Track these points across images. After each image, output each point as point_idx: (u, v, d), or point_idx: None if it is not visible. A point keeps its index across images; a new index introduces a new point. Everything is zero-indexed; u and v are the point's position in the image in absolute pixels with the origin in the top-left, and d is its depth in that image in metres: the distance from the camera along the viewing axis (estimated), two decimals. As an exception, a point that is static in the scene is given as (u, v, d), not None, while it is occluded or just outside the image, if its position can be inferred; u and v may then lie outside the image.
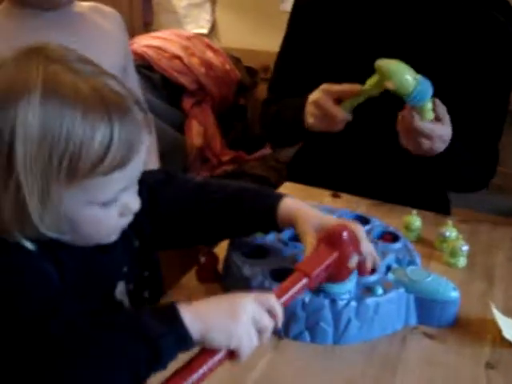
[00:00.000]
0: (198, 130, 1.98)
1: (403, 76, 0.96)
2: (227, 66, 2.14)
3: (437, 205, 1.32)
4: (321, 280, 0.73)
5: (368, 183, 1.25)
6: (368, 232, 0.91)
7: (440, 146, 1.05)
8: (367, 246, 0.77)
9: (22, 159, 0.58)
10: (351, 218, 0.95)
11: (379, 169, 1.27)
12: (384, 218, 1.03)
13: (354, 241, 0.75)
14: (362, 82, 1.11)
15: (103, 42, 1.14)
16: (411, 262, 0.85)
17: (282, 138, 1.37)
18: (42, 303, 0.57)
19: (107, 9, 1.21)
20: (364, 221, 0.95)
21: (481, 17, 1.18)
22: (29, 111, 0.58)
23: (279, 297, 0.65)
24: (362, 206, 1.15)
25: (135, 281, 0.78)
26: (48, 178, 0.59)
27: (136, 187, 0.69)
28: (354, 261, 0.74)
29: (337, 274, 0.74)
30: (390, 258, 0.85)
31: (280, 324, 0.62)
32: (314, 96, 1.10)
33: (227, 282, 0.85)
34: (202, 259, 0.88)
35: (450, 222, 1.01)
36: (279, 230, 0.83)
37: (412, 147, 1.05)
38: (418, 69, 1.19)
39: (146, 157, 0.67)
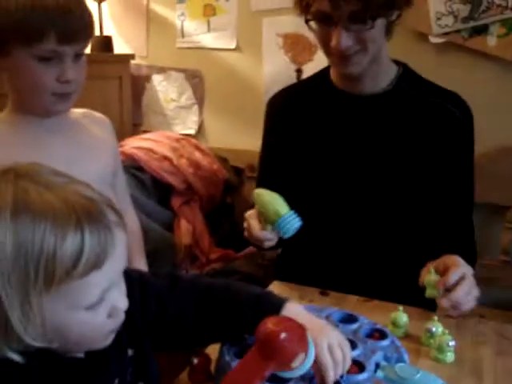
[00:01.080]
0: (187, 228, 2.01)
1: (271, 207, 1.08)
2: (214, 166, 2.21)
3: (423, 298, 1.34)
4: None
5: (354, 279, 1.27)
6: (356, 330, 0.93)
7: (470, 302, 1.06)
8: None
9: None
10: (340, 317, 0.98)
11: (364, 264, 1.30)
12: (371, 314, 1.05)
13: (299, 337, 0.70)
14: (339, 184, 1.18)
15: (97, 148, 1.20)
16: (399, 359, 0.86)
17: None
18: None
19: (98, 115, 1.28)
20: (352, 319, 0.97)
21: (434, 109, 1.27)
22: (1, 229, 0.60)
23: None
24: (349, 303, 1.17)
25: None
26: (27, 289, 0.60)
27: (122, 287, 0.70)
28: (298, 360, 0.70)
29: (284, 368, 0.70)
30: (379, 356, 0.86)
31: None
32: (248, 212, 1.17)
33: (220, 382, 0.85)
34: (195, 360, 0.89)
35: (435, 318, 1.02)
36: None
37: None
38: (382, 161, 1.26)
39: (125, 256, 0.69)
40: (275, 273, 1.43)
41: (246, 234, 1.17)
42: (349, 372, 0.80)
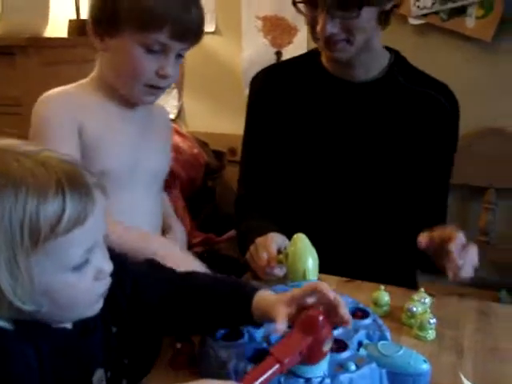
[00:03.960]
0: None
1: (302, 262, 1.01)
2: (195, 150, 2.20)
3: (404, 278, 1.36)
4: (293, 364, 0.74)
5: (336, 260, 1.28)
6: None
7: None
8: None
9: None
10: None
11: (346, 245, 1.31)
12: (353, 294, 1.06)
13: (329, 325, 0.76)
14: (324, 168, 1.18)
15: (160, 144, 1.23)
16: (382, 337, 0.87)
17: None
18: None
19: (163, 110, 1.29)
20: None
21: (424, 99, 1.28)
22: None
23: (251, 383, 0.66)
24: (332, 283, 1.17)
25: (113, 368, 0.78)
26: (13, 249, 0.62)
27: (105, 251, 0.72)
28: (328, 345, 0.75)
29: (310, 357, 0.75)
30: (361, 334, 0.87)
31: None
32: (259, 238, 1.12)
33: (203, 366, 0.86)
34: (178, 345, 0.89)
35: (415, 297, 1.04)
36: (255, 322, 0.83)
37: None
38: (369, 149, 1.27)
39: (105, 218, 0.71)
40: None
41: (247, 257, 1.15)
42: (332, 351, 0.80)
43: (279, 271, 1.06)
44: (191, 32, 1.08)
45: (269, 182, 1.35)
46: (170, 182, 2.11)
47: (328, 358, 0.78)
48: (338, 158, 1.30)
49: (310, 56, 1.36)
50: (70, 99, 1.09)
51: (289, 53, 2.21)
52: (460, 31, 1.98)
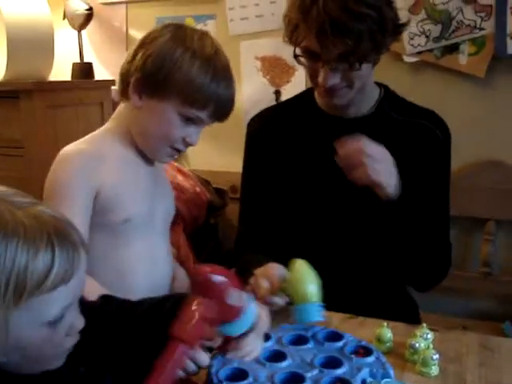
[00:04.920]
0: (172, 251, 2.01)
1: (302, 286, 1.00)
2: (197, 189, 2.22)
3: (406, 312, 1.37)
4: (201, 334, 0.73)
5: (339, 297, 1.29)
6: (342, 348, 0.95)
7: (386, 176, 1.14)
8: None
9: None
10: (325, 335, 0.99)
11: (348, 282, 1.32)
12: (356, 330, 1.07)
13: (229, 277, 0.76)
14: (322, 205, 1.19)
15: (167, 188, 1.30)
16: (385, 375, 0.88)
17: None
18: None
19: None
20: (338, 337, 0.99)
21: (416, 129, 1.30)
22: None
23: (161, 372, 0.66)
24: (334, 320, 1.18)
25: None
26: None
27: (77, 307, 0.73)
28: (234, 297, 0.75)
29: (224, 315, 0.75)
30: (365, 372, 0.88)
31: None
32: (258, 270, 1.11)
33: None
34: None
35: (418, 333, 1.04)
36: None
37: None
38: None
39: (85, 276, 0.72)
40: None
41: (248, 289, 1.13)
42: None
43: (280, 300, 1.05)
44: (229, 112, 1.15)
45: (267, 220, 1.37)
46: (174, 221, 2.12)
47: (251, 316, 0.79)
48: (334, 194, 1.31)
49: (305, 96, 1.40)
50: (88, 161, 1.09)
51: (287, 91, 2.26)
52: (454, 68, 2.02)
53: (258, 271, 1.11)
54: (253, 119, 1.45)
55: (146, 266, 1.15)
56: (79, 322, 0.72)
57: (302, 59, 1.24)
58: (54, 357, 0.71)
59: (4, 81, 2.27)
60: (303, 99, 1.40)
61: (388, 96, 1.35)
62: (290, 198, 1.35)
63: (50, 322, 0.67)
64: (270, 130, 1.39)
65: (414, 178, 1.29)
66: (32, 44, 2.33)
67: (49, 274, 0.64)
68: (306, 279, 1.01)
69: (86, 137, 1.16)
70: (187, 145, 1.14)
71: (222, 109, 1.12)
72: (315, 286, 1.01)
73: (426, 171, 1.30)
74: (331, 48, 1.15)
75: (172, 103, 1.08)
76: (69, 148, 1.11)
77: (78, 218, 1.03)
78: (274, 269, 1.09)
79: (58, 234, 0.66)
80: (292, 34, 1.23)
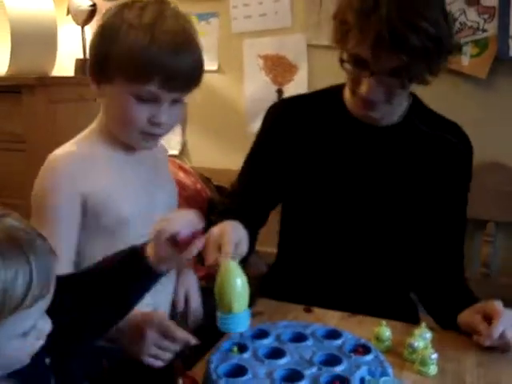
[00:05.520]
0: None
1: (228, 295, 0.87)
2: (198, 186, 2.23)
3: (406, 312, 1.37)
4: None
5: (339, 295, 1.29)
6: (341, 346, 0.95)
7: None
8: None
9: None
10: (324, 333, 0.99)
11: (349, 280, 1.32)
12: (355, 329, 1.08)
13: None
14: (332, 205, 1.19)
15: (167, 180, 1.24)
16: (384, 373, 0.88)
17: None
18: None
19: (161, 143, 1.26)
20: (337, 335, 0.99)
21: (441, 143, 1.28)
22: None
23: None
24: (333, 319, 1.19)
25: None
26: None
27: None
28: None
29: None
30: (363, 370, 0.88)
31: None
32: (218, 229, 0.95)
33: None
34: (181, 382, 0.89)
35: (416, 332, 1.04)
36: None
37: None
38: (381, 191, 1.27)
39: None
40: (261, 290, 1.44)
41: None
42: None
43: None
44: (182, 80, 1.04)
45: (259, 200, 1.34)
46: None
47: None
48: (348, 194, 1.29)
49: (333, 93, 1.34)
50: (74, 168, 1.05)
51: (290, 90, 2.26)
52: (456, 69, 2.02)
53: (216, 230, 0.95)
54: (275, 104, 1.40)
55: None
56: (47, 326, 0.72)
57: (346, 65, 1.18)
58: (24, 360, 0.71)
59: (7, 75, 2.27)
60: (332, 96, 1.33)
61: (416, 106, 1.31)
62: (297, 191, 1.33)
63: (23, 334, 0.67)
64: (292, 119, 1.33)
65: (432, 191, 1.28)
66: (35, 39, 2.33)
67: (27, 293, 0.63)
68: (233, 286, 0.87)
69: (74, 139, 1.13)
70: (157, 126, 1.05)
71: (172, 78, 1.01)
72: (242, 294, 0.88)
73: (446, 185, 1.29)
74: (384, 61, 1.10)
75: (119, 84, 1.02)
76: (56, 153, 1.07)
77: (65, 242, 1.03)
78: (229, 231, 0.94)
79: (32, 249, 0.65)
80: (342, 38, 1.17)
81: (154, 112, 1.04)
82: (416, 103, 1.32)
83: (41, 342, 0.71)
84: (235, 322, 0.87)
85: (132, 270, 0.84)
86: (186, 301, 1.22)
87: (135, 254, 0.84)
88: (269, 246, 1.48)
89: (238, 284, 0.87)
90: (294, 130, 1.33)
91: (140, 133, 1.06)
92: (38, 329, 0.69)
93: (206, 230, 0.89)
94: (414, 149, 1.28)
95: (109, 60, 1.01)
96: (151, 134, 1.07)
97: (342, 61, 1.18)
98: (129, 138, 1.09)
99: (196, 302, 1.24)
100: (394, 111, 1.27)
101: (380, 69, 1.12)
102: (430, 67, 1.15)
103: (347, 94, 1.29)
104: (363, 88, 1.15)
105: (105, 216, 1.06)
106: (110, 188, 1.07)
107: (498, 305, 1.10)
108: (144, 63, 0.99)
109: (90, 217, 1.06)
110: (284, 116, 1.35)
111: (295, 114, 1.34)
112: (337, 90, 1.33)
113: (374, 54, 1.10)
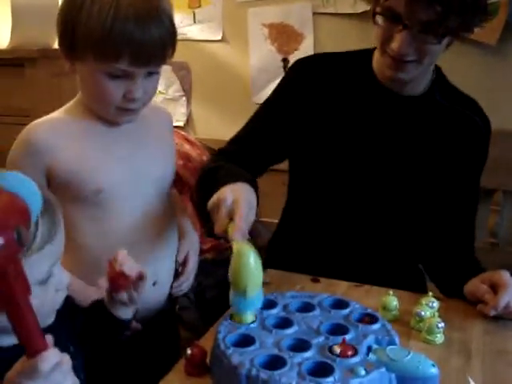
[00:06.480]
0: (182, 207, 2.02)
1: (244, 279, 0.89)
2: (204, 157, 2.22)
3: (413, 281, 1.37)
4: None
5: (345, 264, 1.29)
6: (348, 315, 0.96)
7: None
8: None
9: None
10: (331, 303, 1.00)
11: (357, 250, 1.32)
12: (362, 299, 1.08)
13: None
14: (344, 171, 1.19)
15: (160, 150, 1.18)
16: (391, 342, 0.89)
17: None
18: None
19: (161, 110, 1.25)
20: (344, 304, 0.99)
21: (461, 119, 1.27)
22: None
23: None
24: (340, 288, 1.19)
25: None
26: None
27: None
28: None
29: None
30: (371, 339, 0.88)
31: None
32: (225, 192, 0.97)
33: (215, 372, 0.88)
34: (189, 351, 0.90)
35: (423, 301, 1.05)
36: None
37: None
38: (397, 161, 1.26)
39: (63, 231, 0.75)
40: (266, 261, 1.44)
41: (210, 206, 1.00)
42: (342, 356, 0.82)
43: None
44: (153, 56, 1.01)
45: (262, 155, 1.32)
46: (180, 189, 2.13)
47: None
48: (361, 163, 1.28)
49: (362, 56, 1.31)
50: (44, 139, 1.05)
51: (295, 59, 2.23)
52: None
53: (223, 192, 0.96)
54: (301, 60, 1.37)
55: (140, 236, 1.11)
56: (65, 276, 0.76)
57: (378, 19, 1.15)
58: (46, 314, 0.73)
59: (9, 48, 2.25)
60: (360, 59, 1.31)
61: (439, 79, 1.30)
62: (309, 152, 1.31)
63: (41, 281, 0.70)
64: (319, 75, 1.31)
65: (448, 165, 1.28)
66: (37, 10, 2.30)
67: (35, 236, 0.67)
68: (248, 271, 0.89)
69: (61, 108, 1.12)
70: (132, 100, 1.04)
71: (142, 53, 0.99)
72: (256, 277, 0.90)
73: (462, 161, 1.29)
74: (419, 13, 1.07)
75: (89, 62, 1.00)
76: (34, 122, 1.08)
77: None
78: (241, 199, 0.95)
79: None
80: None
81: (129, 87, 1.03)
82: (439, 77, 1.30)
83: (61, 295, 0.75)
84: (249, 304, 0.91)
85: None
86: (185, 262, 1.22)
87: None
88: (274, 217, 1.48)
89: (252, 268, 0.89)
90: (318, 87, 1.30)
91: (116, 109, 1.05)
92: (56, 278, 0.72)
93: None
94: (434, 121, 1.27)
95: (76, 39, 1.00)
96: (128, 109, 1.06)
97: (374, 14, 1.16)
98: (106, 114, 1.08)
99: (193, 262, 1.24)
100: (421, 78, 1.25)
101: (414, 22, 1.09)
102: (465, 23, 1.11)
103: (376, 56, 1.26)
104: (395, 44, 1.13)
105: (77, 186, 1.05)
106: (82, 158, 1.06)
107: (504, 275, 1.10)
108: (109, 42, 0.97)
109: (61, 186, 1.05)
110: (311, 71, 1.32)
111: (322, 71, 1.31)
112: (367, 53, 1.31)
113: (408, 6, 1.08)
